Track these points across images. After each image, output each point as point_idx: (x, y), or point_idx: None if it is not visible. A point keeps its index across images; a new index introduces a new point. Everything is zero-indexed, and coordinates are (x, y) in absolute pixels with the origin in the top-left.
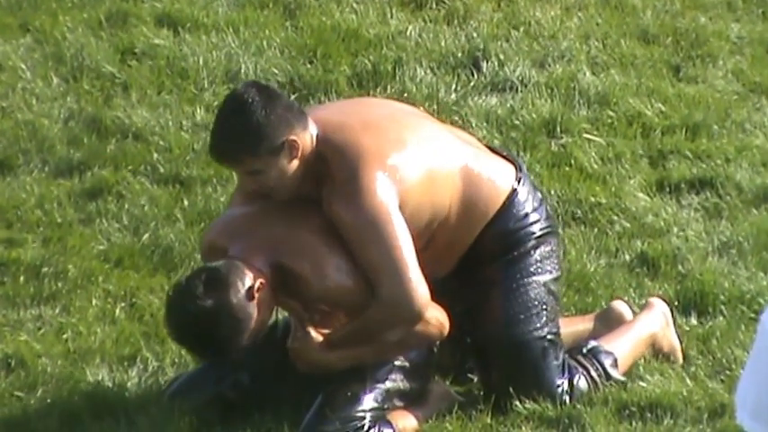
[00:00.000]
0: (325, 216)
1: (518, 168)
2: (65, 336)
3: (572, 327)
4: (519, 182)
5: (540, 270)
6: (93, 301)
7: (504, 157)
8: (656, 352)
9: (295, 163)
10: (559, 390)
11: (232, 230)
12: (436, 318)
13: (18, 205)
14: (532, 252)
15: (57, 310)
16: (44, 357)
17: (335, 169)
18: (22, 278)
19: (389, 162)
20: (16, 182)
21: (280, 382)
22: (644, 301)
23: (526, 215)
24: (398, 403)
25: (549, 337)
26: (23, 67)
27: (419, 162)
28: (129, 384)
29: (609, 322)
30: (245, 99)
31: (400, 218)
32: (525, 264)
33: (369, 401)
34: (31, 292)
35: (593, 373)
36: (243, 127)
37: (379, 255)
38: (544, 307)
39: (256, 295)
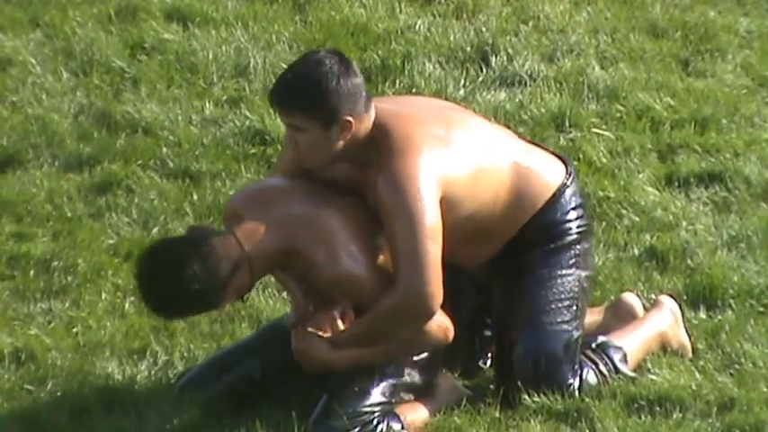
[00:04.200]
0: (358, 203)
1: (568, 165)
2: (75, 329)
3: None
4: (569, 177)
5: (577, 264)
6: (103, 295)
7: (554, 154)
8: (666, 350)
9: (341, 142)
10: (570, 386)
11: (255, 201)
12: (444, 323)
13: (28, 200)
14: (572, 246)
15: (66, 304)
16: (54, 351)
17: (385, 154)
18: (32, 272)
19: (435, 154)
20: (26, 176)
21: (289, 374)
22: (653, 296)
23: (571, 210)
24: (406, 397)
25: (574, 334)
26: (33, 61)
27: (464, 157)
28: (138, 378)
29: (619, 314)
30: (325, 62)
31: (437, 211)
32: (564, 256)
33: (377, 396)
34: (41, 286)
35: (603, 368)
36: (311, 84)
37: (407, 242)
38: (575, 302)
39: (236, 284)
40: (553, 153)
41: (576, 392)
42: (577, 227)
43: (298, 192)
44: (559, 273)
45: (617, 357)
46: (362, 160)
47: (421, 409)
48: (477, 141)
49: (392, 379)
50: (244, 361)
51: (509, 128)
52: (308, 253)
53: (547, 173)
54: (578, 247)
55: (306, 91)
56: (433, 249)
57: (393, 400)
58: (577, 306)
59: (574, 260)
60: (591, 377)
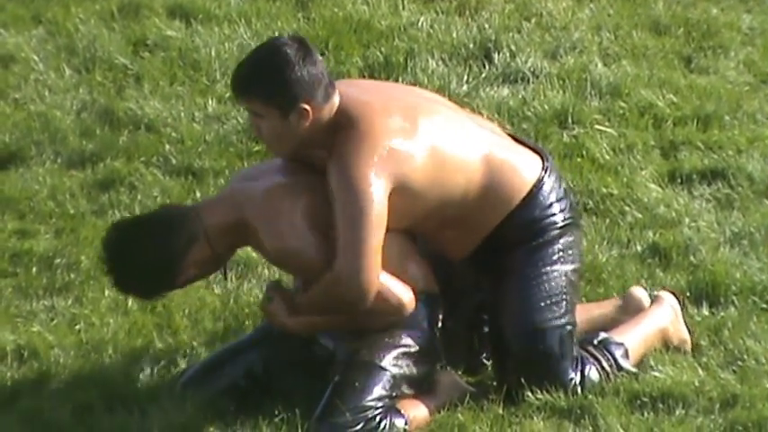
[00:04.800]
0: (320, 182)
1: (545, 159)
2: (77, 327)
3: (587, 314)
4: (545, 172)
5: (561, 259)
6: (106, 293)
7: (531, 147)
8: (666, 345)
9: (301, 129)
10: (572, 381)
11: (240, 178)
12: (398, 295)
13: (31, 196)
14: (555, 241)
15: (69, 302)
16: (57, 348)
17: (341, 140)
18: (34, 269)
19: (394, 144)
20: (29, 173)
21: (292, 371)
22: (655, 293)
23: (551, 205)
24: (407, 390)
25: (567, 327)
26: (36, 58)
27: (428, 146)
28: (141, 375)
29: (628, 309)
30: (284, 50)
31: (383, 201)
32: (547, 252)
33: (378, 390)
34: (43, 283)
35: (605, 364)
36: (268, 71)
37: (346, 228)
38: (564, 297)
39: (195, 256)
40: (531, 147)
41: (578, 388)
42: (558, 221)
43: (274, 170)
44: (544, 270)
45: (619, 353)
46: (327, 142)
47: (423, 405)
48: (444, 130)
49: (391, 371)
50: (245, 356)
51: (497, 122)
52: (254, 224)
53: (523, 167)
54: (561, 241)
55: (263, 78)
56: (373, 238)
57: (394, 394)
58: (567, 300)
59: (557, 255)
60: (593, 373)
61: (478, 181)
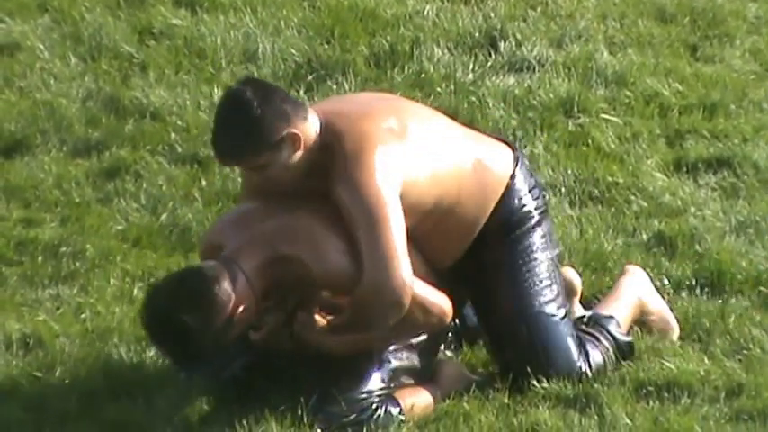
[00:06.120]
0: (328, 204)
1: (514, 150)
2: (83, 315)
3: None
4: (516, 164)
5: (544, 246)
6: (112, 281)
7: (500, 140)
8: (646, 313)
9: (299, 154)
10: (578, 365)
11: (230, 228)
12: (439, 305)
13: (36, 185)
14: (536, 229)
15: (75, 290)
16: (62, 337)
17: (338, 154)
18: (40, 258)
19: (391, 149)
20: (34, 162)
21: (294, 361)
22: (659, 282)
23: (526, 194)
24: (406, 381)
25: (561, 310)
26: (41, 47)
27: (422, 150)
28: (146, 364)
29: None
30: (240, 98)
31: (396, 202)
32: (530, 241)
33: (375, 381)
34: (49, 271)
35: (603, 340)
36: (241, 127)
37: (367, 236)
38: (553, 281)
39: (236, 314)
40: (498, 138)
41: (586, 369)
42: (535, 209)
43: (268, 208)
44: (529, 258)
45: (612, 327)
46: (320, 167)
47: (422, 393)
48: (432, 132)
49: (391, 363)
50: (245, 349)
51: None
52: (293, 253)
53: (499, 161)
54: (541, 228)
55: (241, 137)
56: (396, 240)
57: (392, 385)
58: (556, 284)
59: (540, 243)
60: (596, 353)
61: (468, 181)
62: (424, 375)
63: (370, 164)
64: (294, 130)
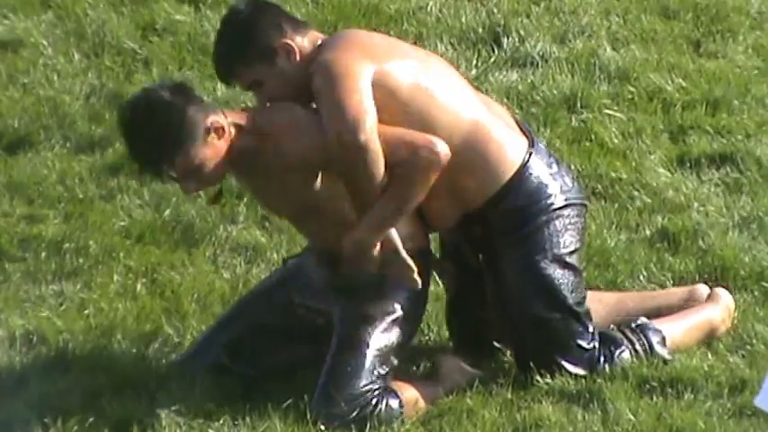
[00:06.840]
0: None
1: (531, 143)
2: (86, 312)
3: (651, 302)
4: (530, 156)
5: (553, 245)
6: (115, 277)
7: (522, 129)
8: (713, 337)
9: (294, 67)
10: (595, 355)
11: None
12: (420, 136)
13: (39, 181)
14: (544, 228)
15: (78, 286)
16: (65, 333)
17: (318, 53)
18: (43, 254)
19: (379, 46)
20: (38, 158)
21: (273, 337)
22: (662, 278)
23: (537, 190)
24: (395, 360)
25: (573, 308)
26: (45, 43)
27: (417, 70)
28: (149, 360)
29: (690, 302)
30: (235, 9)
31: (365, 76)
32: (537, 240)
33: (369, 372)
34: (52, 267)
35: (638, 347)
36: (233, 35)
37: (326, 97)
38: (561, 282)
39: (212, 131)
40: (522, 129)
41: (605, 366)
42: (546, 206)
43: None
44: (536, 259)
45: (655, 339)
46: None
47: (421, 389)
48: (441, 76)
49: (381, 347)
50: (231, 326)
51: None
52: (270, 131)
53: (508, 146)
54: (552, 225)
55: (231, 46)
56: (354, 94)
57: (385, 369)
58: (564, 284)
59: (548, 242)
60: (625, 355)
61: (462, 137)
62: (407, 344)
63: (348, 51)
64: (287, 41)
